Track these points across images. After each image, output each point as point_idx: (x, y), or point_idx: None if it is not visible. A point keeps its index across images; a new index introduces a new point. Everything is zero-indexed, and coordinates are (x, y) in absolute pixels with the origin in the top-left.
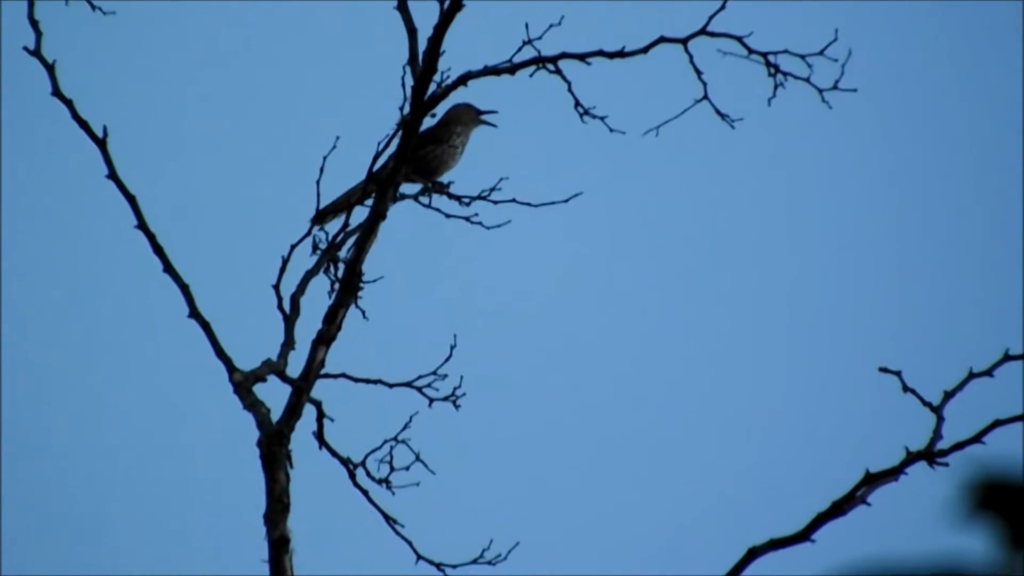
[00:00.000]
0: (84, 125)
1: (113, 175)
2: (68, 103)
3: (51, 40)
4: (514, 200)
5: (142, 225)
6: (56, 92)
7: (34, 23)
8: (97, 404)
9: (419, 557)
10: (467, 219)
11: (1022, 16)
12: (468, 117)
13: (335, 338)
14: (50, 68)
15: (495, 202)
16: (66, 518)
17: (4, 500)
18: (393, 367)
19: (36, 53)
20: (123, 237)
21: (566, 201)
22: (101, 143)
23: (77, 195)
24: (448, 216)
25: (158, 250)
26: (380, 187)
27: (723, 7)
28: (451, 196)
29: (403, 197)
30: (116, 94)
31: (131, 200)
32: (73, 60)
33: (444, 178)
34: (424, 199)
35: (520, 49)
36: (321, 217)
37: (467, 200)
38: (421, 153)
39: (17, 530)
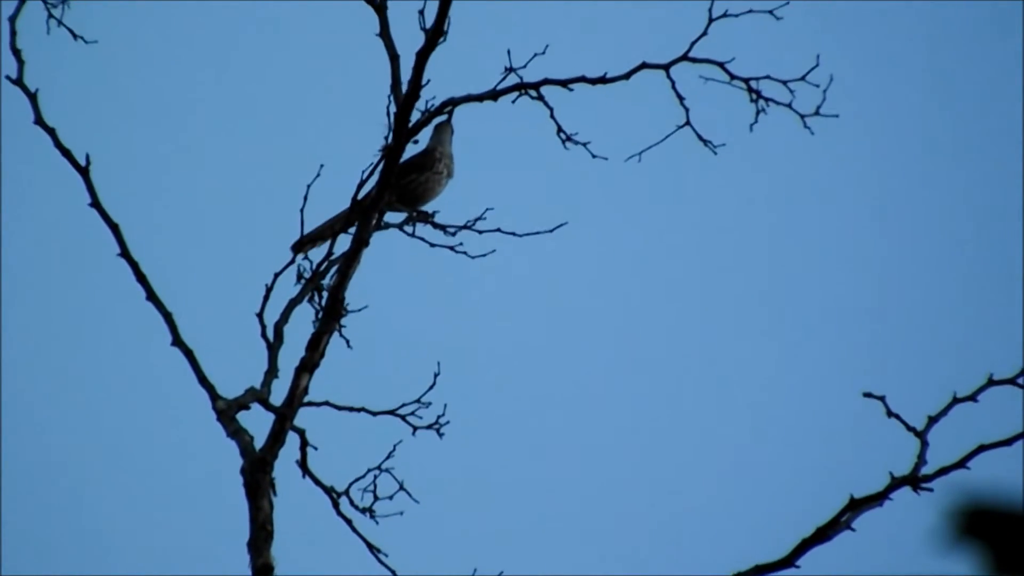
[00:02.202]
0: (67, 153)
1: (96, 203)
2: (51, 132)
3: (33, 69)
4: (499, 230)
5: (125, 253)
6: (39, 121)
7: (16, 52)
8: (79, 432)
9: None
10: (452, 248)
11: (1021, 51)
12: (442, 133)
13: (318, 365)
14: (32, 97)
15: (480, 231)
16: (47, 548)
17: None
18: (377, 395)
19: (18, 82)
20: (106, 265)
21: (551, 231)
22: (84, 171)
23: (60, 223)
24: (433, 245)
25: (141, 278)
26: (363, 214)
27: (705, 33)
28: (436, 225)
29: (387, 226)
30: (99, 122)
31: (114, 228)
32: (56, 89)
33: (430, 206)
34: (408, 228)
35: (504, 77)
36: (302, 246)
37: (452, 230)
38: (404, 182)
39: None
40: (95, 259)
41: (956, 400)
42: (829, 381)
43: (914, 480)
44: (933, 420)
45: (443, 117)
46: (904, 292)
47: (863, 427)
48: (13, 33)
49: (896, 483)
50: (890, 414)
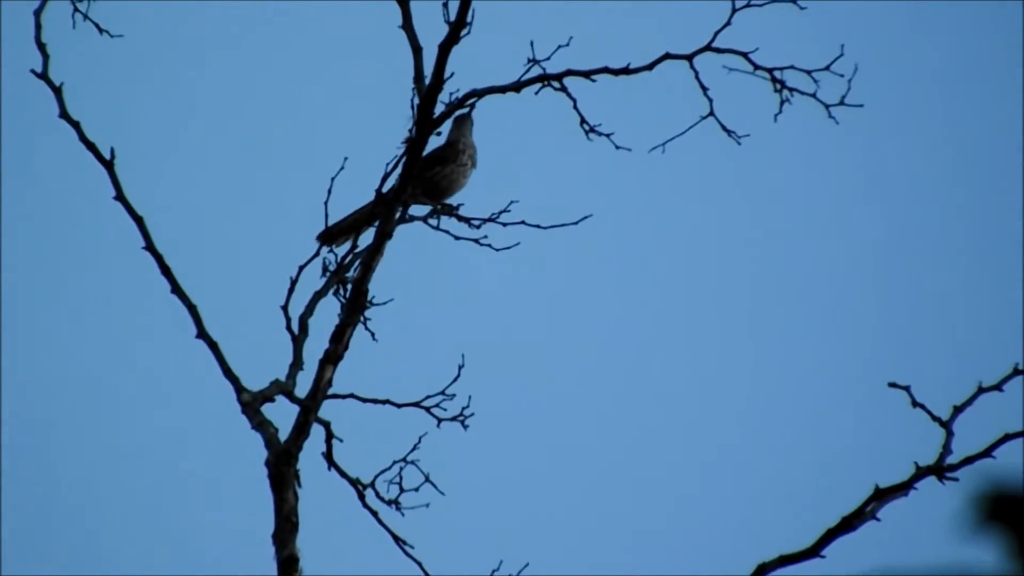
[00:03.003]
0: (91, 147)
1: (120, 196)
2: (75, 125)
3: (58, 62)
4: (523, 222)
5: (150, 246)
6: (63, 114)
7: (41, 46)
8: (104, 424)
9: None
10: (476, 241)
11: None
12: (463, 125)
13: (342, 357)
14: (57, 90)
15: (504, 224)
16: (70, 539)
17: (4, 516)
18: (401, 388)
19: (43, 76)
20: (131, 258)
21: (575, 223)
22: (108, 165)
23: (84, 217)
24: (457, 238)
25: (166, 271)
26: (387, 206)
27: (728, 23)
28: (460, 218)
29: (412, 219)
30: (123, 116)
31: (139, 221)
32: (81, 83)
33: (455, 199)
34: (433, 221)
35: (528, 69)
36: (329, 237)
37: (476, 223)
38: (428, 175)
39: (17, 545)
40: (120, 252)
41: (981, 389)
42: (854, 371)
43: (939, 469)
44: (958, 410)
45: (464, 110)
46: (930, 281)
47: (888, 417)
48: (38, 27)
49: (921, 473)
50: (915, 404)
